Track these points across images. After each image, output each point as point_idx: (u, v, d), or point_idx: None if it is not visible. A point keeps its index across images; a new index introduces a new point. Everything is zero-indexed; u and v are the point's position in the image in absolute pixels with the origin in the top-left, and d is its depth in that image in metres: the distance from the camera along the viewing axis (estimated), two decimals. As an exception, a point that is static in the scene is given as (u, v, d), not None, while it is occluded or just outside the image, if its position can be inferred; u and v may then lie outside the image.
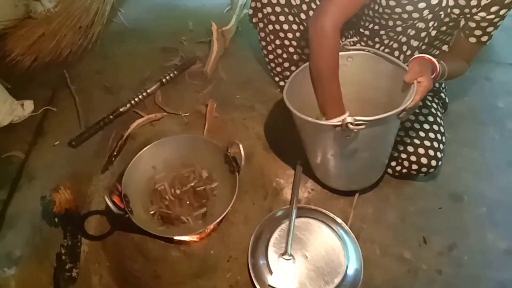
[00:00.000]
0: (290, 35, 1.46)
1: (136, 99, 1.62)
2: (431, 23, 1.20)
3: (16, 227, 1.31)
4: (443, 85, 1.50)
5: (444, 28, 1.22)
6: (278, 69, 1.63)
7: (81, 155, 1.49)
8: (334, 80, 1.13)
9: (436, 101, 1.43)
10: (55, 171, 1.45)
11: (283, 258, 1.19)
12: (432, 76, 1.09)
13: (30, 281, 1.20)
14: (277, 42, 1.51)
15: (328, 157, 1.21)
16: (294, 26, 1.43)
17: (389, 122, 1.07)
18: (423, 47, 1.27)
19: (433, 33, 1.23)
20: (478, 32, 1.18)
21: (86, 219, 1.31)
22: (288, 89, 1.19)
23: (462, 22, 1.19)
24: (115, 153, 1.46)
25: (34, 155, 1.50)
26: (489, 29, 1.17)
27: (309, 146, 1.28)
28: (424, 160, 1.28)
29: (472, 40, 1.20)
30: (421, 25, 1.21)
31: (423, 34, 1.23)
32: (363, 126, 0.98)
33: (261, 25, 1.50)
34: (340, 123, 1.00)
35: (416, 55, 1.14)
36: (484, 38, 1.19)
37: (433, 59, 1.11)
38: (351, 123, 0.97)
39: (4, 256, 1.24)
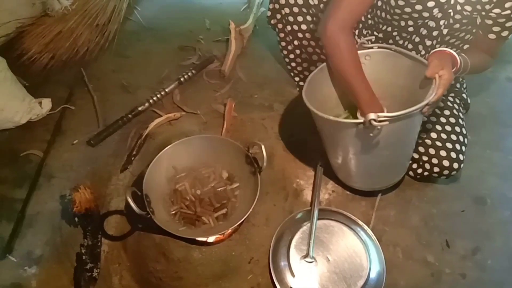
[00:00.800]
0: (308, 35, 1.45)
1: (154, 98, 1.62)
2: (441, 22, 1.19)
3: (36, 226, 1.31)
4: (464, 85, 1.48)
5: (457, 25, 1.20)
6: (299, 68, 1.62)
7: (100, 154, 1.49)
8: (359, 77, 1.12)
9: (458, 101, 1.41)
10: (74, 170, 1.44)
11: (305, 260, 1.18)
12: (454, 70, 1.07)
13: (50, 280, 1.20)
14: (296, 42, 1.50)
15: (350, 156, 1.19)
16: (313, 26, 1.42)
17: (412, 118, 1.06)
18: (438, 46, 1.26)
19: (445, 31, 1.21)
20: (496, 29, 1.16)
21: (106, 219, 1.30)
22: (307, 89, 1.18)
23: (479, 20, 1.18)
24: (134, 153, 1.45)
25: (52, 154, 1.50)
26: (508, 24, 1.15)
27: (330, 145, 1.26)
28: (446, 163, 1.26)
29: (492, 36, 1.18)
30: (432, 23, 1.20)
31: (435, 33, 1.22)
32: (387, 123, 0.96)
33: (280, 26, 1.49)
34: (362, 120, 0.99)
35: (435, 49, 1.12)
36: (505, 33, 1.17)
37: (453, 52, 1.09)
38: (375, 120, 0.96)
39: (24, 255, 1.24)
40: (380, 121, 0.96)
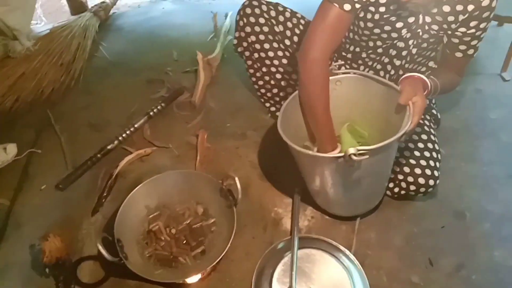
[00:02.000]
0: (276, 62, 1.45)
1: (123, 135, 1.58)
2: (410, 41, 1.20)
3: (5, 279, 1.24)
4: (433, 101, 1.49)
5: (425, 45, 1.21)
6: (269, 94, 1.61)
7: (70, 198, 1.43)
8: (326, 112, 1.14)
9: (428, 117, 1.42)
10: (43, 217, 1.38)
11: (289, 293, 1.14)
12: (425, 93, 1.08)
13: None
14: (264, 69, 1.50)
15: (329, 186, 1.18)
16: (280, 53, 1.42)
17: (390, 147, 1.05)
18: (407, 65, 1.27)
19: (414, 50, 1.22)
20: (462, 47, 1.18)
21: (79, 266, 1.24)
22: (282, 120, 1.17)
23: (445, 39, 1.20)
24: (105, 194, 1.41)
25: (20, 201, 1.44)
26: (473, 42, 1.17)
27: (307, 175, 1.25)
28: (421, 181, 1.25)
29: (459, 54, 1.21)
30: (401, 44, 1.21)
31: (404, 53, 1.23)
32: (367, 156, 0.95)
33: (247, 53, 1.49)
34: (342, 154, 0.97)
35: (405, 75, 1.13)
36: (470, 52, 1.20)
37: (423, 77, 1.10)
38: (354, 154, 0.94)
39: (-8, 314, 1.17)
40: (360, 155, 0.95)
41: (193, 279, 1.17)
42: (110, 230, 1.16)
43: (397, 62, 1.25)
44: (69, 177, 1.47)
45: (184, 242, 1.24)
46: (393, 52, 1.24)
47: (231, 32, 2.01)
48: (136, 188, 1.26)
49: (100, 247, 1.06)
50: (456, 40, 1.17)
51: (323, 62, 1.12)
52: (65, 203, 1.42)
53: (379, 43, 1.24)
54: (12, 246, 1.32)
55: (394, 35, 1.19)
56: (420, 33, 1.18)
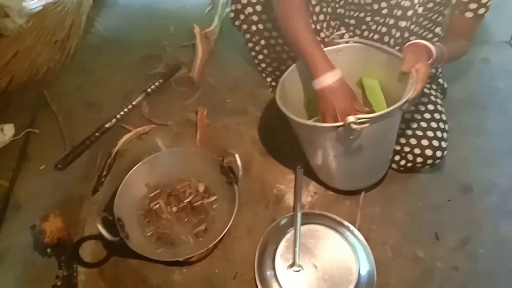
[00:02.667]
0: (275, 34, 1.40)
1: (121, 113, 1.55)
2: (416, 0, 1.15)
3: (6, 262, 1.23)
4: (439, 70, 1.45)
5: (431, 4, 1.17)
6: (269, 68, 1.57)
7: (69, 178, 1.41)
8: (308, 36, 1.06)
9: (435, 87, 1.38)
10: (43, 198, 1.37)
11: (292, 269, 1.12)
12: (430, 62, 1.04)
13: (27, 318, 1.13)
14: (263, 42, 1.46)
15: (331, 158, 1.15)
16: (278, 24, 1.37)
17: (393, 116, 1.02)
18: (412, 26, 1.22)
19: (420, 10, 1.17)
20: (473, 5, 1.13)
21: (81, 246, 1.24)
22: (280, 93, 1.13)
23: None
24: (104, 173, 1.39)
25: (19, 183, 1.42)
26: (484, 0, 1.11)
27: (309, 149, 1.22)
28: (428, 152, 1.22)
29: (469, 14, 1.15)
30: (406, 3, 1.16)
31: (409, 13, 1.18)
32: (367, 124, 0.92)
33: (244, 27, 1.44)
34: (342, 123, 0.94)
35: (409, 42, 1.08)
36: (481, 11, 1.14)
37: (427, 43, 1.05)
38: (354, 122, 0.91)
39: (-5, 296, 1.17)
40: (360, 123, 0.92)
41: (195, 257, 1.17)
42: (111, 209, 1.14)
43: (402, 24, 1.20)
44: (68, 156, 1.44)
45: (186, 220, 1.22)
46: (398, 13, 1.19)
47: (229, 4, 1.95)
48: (136, 167, 1.23)
49: (100, 227, 1.04)
50: None
51: None
52: (65, 183, 1.40)
53: (383, 4, 1.20)
54: (12, 227, 1.31)
55: None
56: None
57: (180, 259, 1.14)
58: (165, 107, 1.63)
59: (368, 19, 1.29)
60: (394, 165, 1.35)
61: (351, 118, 0.91)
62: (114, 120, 1.53)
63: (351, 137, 0.97)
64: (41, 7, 1.94)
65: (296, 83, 1.22)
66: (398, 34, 1.24)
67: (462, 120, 1.52)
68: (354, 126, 0.91)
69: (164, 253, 1.15)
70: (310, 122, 1.02)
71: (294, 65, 1.20)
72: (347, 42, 1.20)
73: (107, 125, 1.52)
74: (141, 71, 1.79)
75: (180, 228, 1.20)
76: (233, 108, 1.61)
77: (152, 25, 2.03)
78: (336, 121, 1.00)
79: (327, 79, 1.02)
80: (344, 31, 1.35)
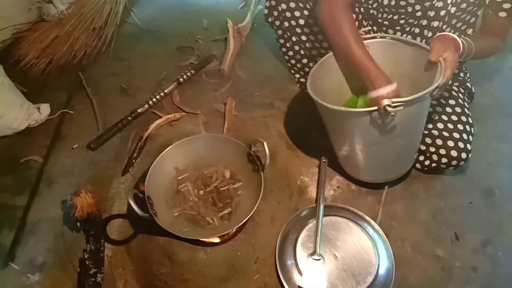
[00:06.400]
0: (306, 30, 1.43)
1: (153, 100, 1.60)
2: (449, 0, 1.16)
3: (38, 233, 1.29)
4: (467, 75, 1.46)
5: (464, 5, 1.18)
6: (299, 65, 1.60)
7: (100, 158, 1.47)
8: (361, 47, 1.10)
9: (462, 91, 1.39)
10: (74, 175, 1.43)
11: (312, 258, 1.15)
12: (457, 54, 1.05)
13: (54, 287, 1.18)
14: (294, 38, 1.48)
15: (361, 147, 1.17)
16: (310, 21, 1.40)
17: (423, 102, 1.05)
18: (445, 27, 1.24)
19: (453, 10, 1.19)
20: (507, 5, 1.14)
21: (109, 223, 1.28)
22: (311, 84, 1.16)
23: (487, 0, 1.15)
24: (135, 155, 1.43)
25: (52, 159, 1.48)
26: None
27: (338, 138, 1.24)
28: (454, 153, 1.23)
29: (502, 14, 1.16)
30: (439, 4, 1.18)
31: (442, 13, 1.19)
32: (401, 107, 0.95)
33: (277, 23, 1.48)
34: (376, 107, 0.97)
35: (436, 34, 1.11)
36: None
37: (454, 35, 1.07)
38: (389, 105, 0.94)
39: (27, 263, 1.22)
40: (394, 107, 0.94)
41: (220, 238, 1.20)
42: (139, 190, 1.18)
43: (435, 23, 1.22)
44: (100, 137, 1.50)
45: (212, 203, 1.26)
46: (431, 13, 1.21)
47: (261, 1, 1.99)
48: (167, 149, 1.27)
49: (132, 202, 1.08)
50: None
51: (338, 7, 1.11)
52: (96, 163, 1.45)
53: (417, 7, 1.22)
54: (44, 201, 1.37)
55: None
56: None
57: (205, 240, 1.18)
58: (195, 97, 1.67)
59: (402, 21, 1.31)
60: (418, 165, 1.36)
61: (386, 101, 0.94)
62: (146, 106, 1.58)
63: (385, 122, 1.00)
64: (81, -4, 2.01)
65: (326, 76, 1.24)
66: (430, 34, 1.25)
67: (488, 126, 1.53)
68: (389, 108, 0.94)
69: (191, 232, 1.18)
70: (344, 108, 1.04)
71: (324, 58, 1.23)
72: (373, 37, 1.22)
73: (139, 110, 1.56)
74: (174, 61, 1.84)
75: (206, 210, 1.24)
76: (261, 102, 1.65)
77: (186, 19, 2.09)
78: None
79: (385, 91, 1.05)
80: (369, 28, 1.37)
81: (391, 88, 1.05)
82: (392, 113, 0.95)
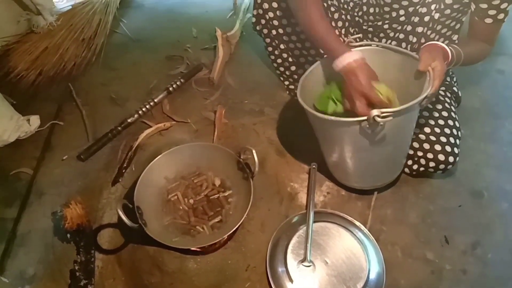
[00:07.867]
0: (294, 38, 1.44)
1: (143, 109, 1.60)
2: (433, 6, 1.18)
3: (28, 245, 1.28)
4: (454, 79, 1.47)
5: (448, 11, 1.19)
6: (288, 72, 1.61)
7: (90, 169, 1.47)
8: (324, 25, 1.11)
9: (449, 95, 1.40)
10: (64, 186, 1.42)
11: (303, 265, 1.15)
12: (446, 62, 1.06)
13: (45, 299, 1.17)
14: (282, 46, 1.50)
15: (350, 155, 1.17)
16: (297, 28, 1.41)
17: (412, 111, 1.05)
18: (429, 32, 1.25)
19: (437, 16, 1.20)
20: (492, 12, 1.14)
21: (99, 233, 1.28)
22: (300, 92, 1.17)
23: (473, 6, 1.16)
24: (125, 165, 1.43)
25: (42, 171, 1.48)
26: (504, 5, 1.12)
27: (327, 146, 1.25)
28: (441, 157, 1.24)
29: (488, 20, 1.16)
30: (423, 9, 1.19)
31: (426, 19, 1.21)
32: (390, 118, 0.95)
33: (265, 31, 1.49)
34: (365, 118, 0.98)
35: (425, 44, 1.11)
36: (501, 16, 1.15)
37: (442, 44, 1.08)
38: (378, 116, 0.95)
39: (17, 275, 1.21)
40: (383, 117, 0.95)
41: (210, 247, 1.20)
42: (130, 199, 1.18)
43: (419, 29, 1.23)
44: (90, 148, 1.49)
45: (202, 212, 1.26)
46: (416, 19, 1.22)
47: (250, 10, 2.01)
48: (156, 159, 1.28)
49: (120, 213, 1.08)
50: (485, 5, 1.13)
51: None
52: (86, 173, 1.45)
53: (401, 12, 1.23)
54: (35, 213, 1.36)
55: (415, 0, 1.18)
56: None
57: (196, 248, 1.18)
58: (185, 106, 1.67)
59: (386, 26, 1.32)
60: (406, 170, 1.37)
61: (375, 112, 0.95)
62: (136, 116, 1.58)
63: (374, 131, 1.00)
64: (70, 7, 2.03)
65: (316, 83, 1.25)
66: (415, 40, 1.27)
67: (476, 128, 1.54)
68: (378, 119, 0.95)
69: (181, 241, 1.18)
70: (333, 118, 1.04)
71: (313, 66, 1.24)
72: (362, 45, 1.23)
73: (129, 120, 1.57)
74: (163, 70, 1.85)
75: (196, 219, 1.24)
76: (251, 109, 1.65)
77: (175, 28, 2.10)
78: (362, 103, 1.03)
79: (348, 58, 1.04)
80: (360, 35, 1.38)
81: (353, 54, 1.05)
82: (381, 123, 0.96)
